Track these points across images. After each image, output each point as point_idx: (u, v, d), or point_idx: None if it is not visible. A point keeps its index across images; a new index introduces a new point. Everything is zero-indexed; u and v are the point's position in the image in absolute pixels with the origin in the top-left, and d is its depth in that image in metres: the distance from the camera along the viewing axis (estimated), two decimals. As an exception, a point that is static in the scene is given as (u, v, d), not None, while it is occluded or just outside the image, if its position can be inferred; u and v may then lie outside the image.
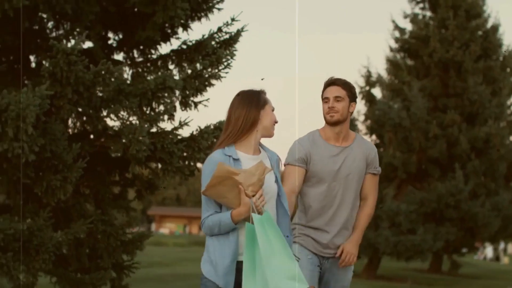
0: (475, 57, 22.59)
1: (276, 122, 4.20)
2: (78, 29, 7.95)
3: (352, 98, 5.00)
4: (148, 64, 8.95)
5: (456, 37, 22.51)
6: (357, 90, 23.43)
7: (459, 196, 20.88)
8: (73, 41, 7.56)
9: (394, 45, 24.01)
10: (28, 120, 6.47)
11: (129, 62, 8.88)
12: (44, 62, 8.17)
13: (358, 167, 4.97)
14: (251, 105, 4.12)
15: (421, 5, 24.11)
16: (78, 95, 7.29)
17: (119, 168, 8.86)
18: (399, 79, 23.24)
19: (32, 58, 8.32)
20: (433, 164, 22.43)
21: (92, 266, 8.47)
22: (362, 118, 23.35)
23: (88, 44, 8.52)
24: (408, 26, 24.01)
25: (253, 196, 3.94)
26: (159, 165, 8.47)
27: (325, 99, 4.99)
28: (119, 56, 9.24)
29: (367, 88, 23.21)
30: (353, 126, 22.59)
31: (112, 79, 7.40)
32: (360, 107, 23.79)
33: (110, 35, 9.08)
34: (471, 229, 22.34)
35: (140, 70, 8.82)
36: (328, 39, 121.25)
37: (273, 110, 4.21)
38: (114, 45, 9.05)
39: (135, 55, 9.00)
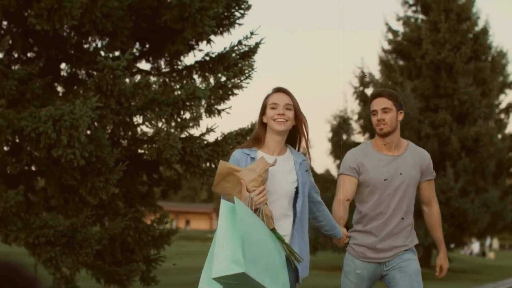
0: (466, 59, 23.61)
1: (274, 116, 4.21)
2: (115, 44, 8.82)
3: (399, 107, 5.10)
4: (174, 74, 9.84)
5: (448, 40, 23.51)
6: (351, 90, 24.46)
7: (449, 193, 21.91)
8: (115, 53, 8.45)
9: (387, 46, 24.99)
10: (81, 129, 7.37)
11: (156, 72, 9.77)
12: (80, 74, 9.09)
13: (411, 175, 5.07)
14: (260, 112, 4.33)
15: (413, 8, 25.10)
16: (120, 105, 8.19)
17: (146, 169, 9.76)
18: (392, 79, 24.19)
19: (77, 71, 9.20)
20: (425, 162, 23.43)
21: (124, 260, 9.36)
22: (356, 117, 24.26)
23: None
24: (401, 28, 24.99)
25: (253, 191, 4.02)
26: (183, 167, 9.37)
27: (373, 112, 5.10)
28: (144, 66, 10.14)
29: (361, 88, 24.17)
30: (347, 125, 23.61)
31: (149, 91, 8.29)
32: (354, 107, 24.79)
33: (137, 46, 9.96)
34: (460, 225, 23.39)
35: (167, 80, 9.71)
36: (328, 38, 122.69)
37: (274, 107, 4.24)
38: (137, 54, 9.89)
39: (162, 65, 9.88)
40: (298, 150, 4.39)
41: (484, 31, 24.49)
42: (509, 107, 26.77)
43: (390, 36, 24.87)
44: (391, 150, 5.09)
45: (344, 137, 23.60)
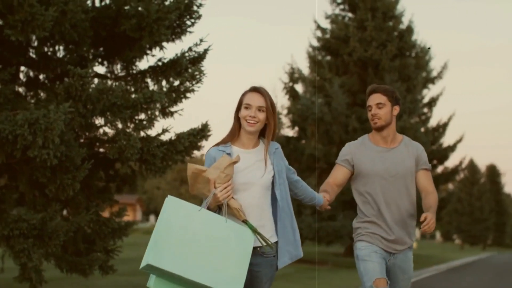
0: (391, 56, 25.16)
1: (245, 117, 4.47)
2: (79, 52, 9.78)
3: (395, 102, 5.40)
4: (129, 78, 10.83)
5: (374, 38, 25.01)
6: (281, 86, 25.69)
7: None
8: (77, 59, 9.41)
9: (316, 44, 26.33)
10: (55, 132, 8.32)
11: (113, 77, 10.74)
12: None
13: (406, 166, 5.35)
14: (236, 108, 4.59)
15: (341, 6, 26.54)
16: (86, 109, 9.17)
17: (103, 166, 10.72)
18: (320, 76, 25.55)
19: (41, 77, 10.11)
20: (352, 155, 24.90)
21: (84, 250, 10.33)
22: (285, 112, 25.51)
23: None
24: (329, 26, 26.36)
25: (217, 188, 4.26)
26: (138, 165, 10.39)
27: (368, 107, 5.43)
28: (100, 69, 11.09)
29: (291, 84, 25.45)
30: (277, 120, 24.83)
31: (112, 96, 9.28)
32: (283, 102, 26.07)
33: (94, 51, 10.88)
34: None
35: (123, 83, 10.69)
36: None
37: (247, 107, 4.47)
38: (97, 59, 10.83)
39: (118, 70, 10.84)
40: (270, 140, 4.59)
41: (409, 29, 26.10)
42: (432, 102, 28.51)
43: (319, 33, 26.22)
44: (387, 143, 5.41)
45: (275, 131, 24.75)
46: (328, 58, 26.52)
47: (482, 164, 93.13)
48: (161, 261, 4.00)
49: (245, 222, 4.34)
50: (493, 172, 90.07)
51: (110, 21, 10.12)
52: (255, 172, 4.48)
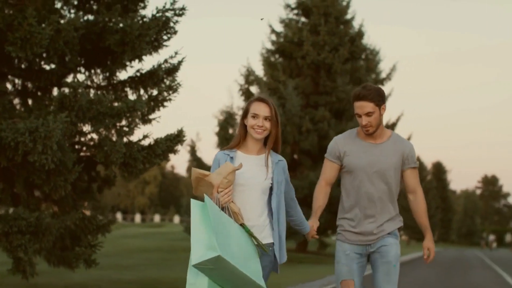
0: (343, 60, 26.67)
1: (253, 126, 4.78)
2: (69, 66, 10.93)
3: (382, 101, 5.41)
4: (110, 88, 12.00)
5: (327, 42, 26.49)
6: (237, 88, 26.97)
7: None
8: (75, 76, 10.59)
9: (271, 47, 27.69)
10: (53, 139, 9.48)
11: (95, 86, 11.89)
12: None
13: (392, 162, 5.46)
14: (242, 115, 4.92)
15: (295, 11, 27.92)
16: (77, 118, 10.34)
17: (86, 169, 11.87)
18: (275, 78, 26.90)
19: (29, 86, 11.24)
20: (306, 155, 26.37)
21: (70, 245, 11.48)
22: (241, 112, 26.78)
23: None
24: (283, 30, 27.75)
25: (220, 192, 4.61)
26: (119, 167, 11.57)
27: (357, 114, 5.42)
28: (81, 78, 12.20)
29: (246, 86, 26.77)
30: (233, 120, 26.15)
31: (101, 106, 10.47)
32: (239, 103, 27.33)
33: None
34: (336, 213, 26.40)
35: (104, 92, 11.85)
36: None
37: (254, 116, 4.78)
38: (81, 70, 11.97)
39: (100, 80, 11.98)
40: (275, 151, 4.93)
41: (360, 34, 27.61)
42: (380, 102, 30.07)
43: (274, 37, 27.58)
44: (375, 139, 5.50)
45: (230, 131, 26.09)
46: (281, 60, 27.86)
47: (428, 162, 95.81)
48: (227, 255, 4.33)
49: (242, 225, 4.67)
50: (439, 170, 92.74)
51: (96, 36, 11.28)
52: (254, 175, 4.79)
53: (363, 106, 5.35)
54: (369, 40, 36.69)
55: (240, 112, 26.73)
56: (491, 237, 79.94)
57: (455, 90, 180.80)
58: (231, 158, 4.82)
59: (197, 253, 4.36)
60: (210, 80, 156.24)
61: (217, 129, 26.37)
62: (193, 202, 4.55)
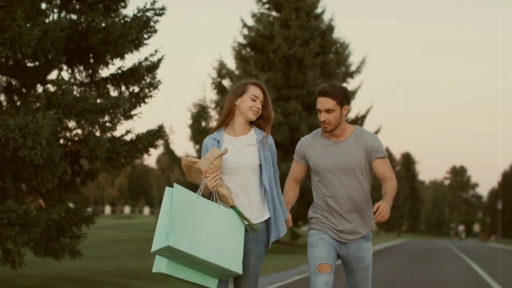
0: (314, 54, 27.38)
1: (253, 108, 4.99)
2: (53, 64, 11.49)
3: (345, 101, 5.42)
4: (92, 85, 12.56)
5: (298, 36, 27.18)
6: (210, 81, 27.56)
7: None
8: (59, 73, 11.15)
9: (243, 41, 28.32)
10: (42, 135, 10.04)
11: (78, 83, 12.45)
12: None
13: (355, 158, 5.46)
14: (231, 94, 5.09)
15: (266, 5, 28.58)
16: (63, 114, 10.91)
17: (70, 163, 12.44)
18: (247, 72, 27.54)
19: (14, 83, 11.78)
20: (277, 147, 27.01)
21: (56, 236, 12.05)
22: (213, 105, 27.44)
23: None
24: (255, 24, 28.41)
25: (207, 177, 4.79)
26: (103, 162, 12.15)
27: (318, 109, 5.47)
28: (64, 75, 12.75)
29: (218, 79, 27.39)
30: (206, 113, 26.76)
31: (86, 103, 11.04)
32: (212, 96, 27.91)
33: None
34: (309, 204, 27.14)
35: (87, 89, 12.41)
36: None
37: (254, 99, 4.99)
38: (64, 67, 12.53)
39: (81, 77, 12.53)
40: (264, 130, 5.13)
41: (330, 28, 28.34)
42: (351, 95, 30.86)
43: (246, 31, 28.22)
44: (337, 137, 5.50)
45: (203, 124, 26.71)
46: (252, 53, 28.49)
47: (397, 152, 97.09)
48: (180, 243, 4.49)
49: (233, 207, 4.85)
50: (407, 160, 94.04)
51: (79, 35, 11.83)
52: (242, 157, 4.97)
53: (324, 102, 5.40)
54: (339, 34, 37.52)
55: (213, 106, 27.36)
56: (461, 228, 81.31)
57: (424, 83, 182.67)
58: (218, 142, 5.01)
59: (155, 241, 4.57)
60: (182, 74, 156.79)
61: (190, 121, 26.95)
62: (167, 190, 4.73)
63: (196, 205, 4.71)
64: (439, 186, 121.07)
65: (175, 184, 4.69)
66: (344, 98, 5.41)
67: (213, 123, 27.29)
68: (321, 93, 5.43)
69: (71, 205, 12.60)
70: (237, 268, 4.73)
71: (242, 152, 5.01)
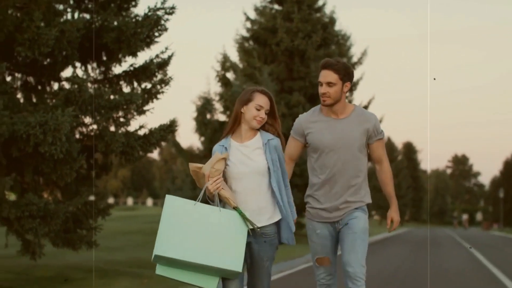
0: (316, 46, 27.91)
1: (256, 117, 5.11)
2: (69, 62, 12.04)
3: (347, 78, 5.48)
4: (105, 81, 13.11)
5: (300, 29, 27.71)
6: (214, 74, 28.13)
7: (303, 166, 26.16)
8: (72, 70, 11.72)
9: (246, 34, 28.86)
10: (62, 132, 10.59)
11: (92, 80, 12.99)
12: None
13: (354, 137, 5.49)
14: (238, 101, 5.21)
15: (269, -1, 29.14)
16: (80, 111, 11.47)
17: (86, 157, 12.99)
18: (250, 65, 28.06)
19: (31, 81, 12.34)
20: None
21: (73, 228, 12.61)
22: (218, 98, 27.95)
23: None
24: (258, 17, 28.94)
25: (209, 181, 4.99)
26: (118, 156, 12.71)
27: (319, 83, 5.50)
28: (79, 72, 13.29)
29: (223, 72, 27.91)
30: (210, 106, 27.27)
31: (101, 99, 11.59)
32: (216, 89, 28.42)
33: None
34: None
35: (102, 86, 12.96)
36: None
37: (259, 109, 5.12)
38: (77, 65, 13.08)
39: (94, 74, 13.08)
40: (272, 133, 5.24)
41: (332, 20, 28.87)
42: (353, 86, 31.41)
43: (249, 25, 28.75)
44: (337, 114, 5.54)
45: (208, 116, 27.22)
46: (255, 46, 29.01)
47: (399, 142, 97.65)
48: (165, 251, 4.79)
49: (235, 209, 5.01)
50: (409, 150, 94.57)
51: (93, 34, 12.37)
52: (250, 162, 5.10)
53: (326, 75, 5.45)
54: (340, 26, 38.01)
55: (217, 98, 27.86)
56: (465, 217, 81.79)
57: (426, 72, 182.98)
58: (226, 148, 5.14)
59: (154, 250, 4.86)
60: (185, 66, 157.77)
61: (195, 114, 27.45)
62: (167, 198, 5.00)
63: (192, 211, 4.93)
64: (441, 175, 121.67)
65: (166, 195, 4.97)
66: (347, 74, 5.48)
67: (218, 116, 27.79)
68: (324, 66, 5.50)
69: (92, 197, 13.19)
70: (238, 267, 4.88)
71: (250, 157, 5.12)
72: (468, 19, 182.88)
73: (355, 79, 31.07)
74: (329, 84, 5.42)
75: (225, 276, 5.00)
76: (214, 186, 4.95)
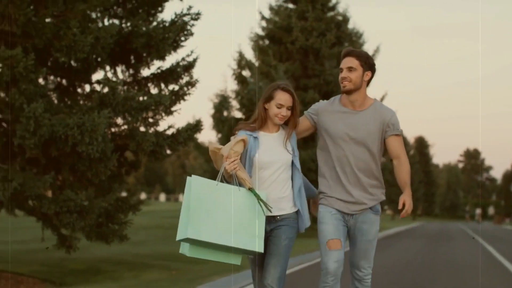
0: (330, 44, 28.64)
1: (278, 115, 5.27)
2: (101, 65, 12.85)
3: (368, 67, 5.45)
4: (134, 83, 13.90)
5: (314, 27, 28.44)
6: (230, 72, 28.91)
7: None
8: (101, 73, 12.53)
9: (261, 33, 29.63)
10: (99, 132, 11.39)
11: (122, 82, 13.78)
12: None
13: (369, 130, 5.44)
14: (262, 99, 5.40)
15: (284, -2, 29.91)
16: (114, 112, 12.27)
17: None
18: (266, 63, 28.80)
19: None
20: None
21: (105, 222, 13.42)
22: (234, 95, 28.69)
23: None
24: (273, 17, 29.71)
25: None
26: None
27: (340, 70, 5.49)
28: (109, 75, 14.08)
29: (239, 70, 28.67)
30: (227, 103, 28.02)
31: (133, 101, 12.38)
32: (233, 86, 29.17)
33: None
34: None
35: (130, 88, 13.76)
36: None
37: (279, 107, 5.27)
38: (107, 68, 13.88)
39: (124, 77, 13.86)
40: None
41: (345, 19, 29.60)
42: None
43: (264, 24, 29.53)
44: (355, 107, 5.49)
45: (225, 113, 27.96)
46: (273, 46, 29.76)
47: (410, 137, 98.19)
48: (199, 234, 4.90)
49: (250, 189, 5.14)
50: (421, 144, 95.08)
51: (123, 39, 13.17)
52: (277, 152, 5.30)
53: (348, 62, 5.44)
54: (354, 24, 38.66)
55: (233, 95, 28.60)
56: (478, 211, 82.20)
57: (436, 64, 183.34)
58: (255, 138, 5.30)
59: (178, 231, 5.00)
60: (201, 65, 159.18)
61: (212, 111, 28.20)
62: (187, 180, 5.08)
63: (215, 191, 5.05)
64: (453, 169, 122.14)
65: (192, 175, 5.06)
66: (368, 63, 5.45)
67: (234, 113, 28.50)
68: (346, 54, 5.50)
69: (124, 193, 14.01)
70: (258, 247, 5.06)
71: (277, 148, 5.31)
72: (473, 11, 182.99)
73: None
74: (350, 68, 5.41)
75: (247, 254, 5.18)
76: (232, 166, 5.09)
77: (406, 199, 5.35)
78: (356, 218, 5.47)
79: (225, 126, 27.11)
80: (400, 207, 5.32)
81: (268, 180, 5.27)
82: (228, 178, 5.16)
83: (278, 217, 5.25)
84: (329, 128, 5.47)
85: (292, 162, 5.32)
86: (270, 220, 5.24)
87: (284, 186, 5.31)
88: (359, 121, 5.44)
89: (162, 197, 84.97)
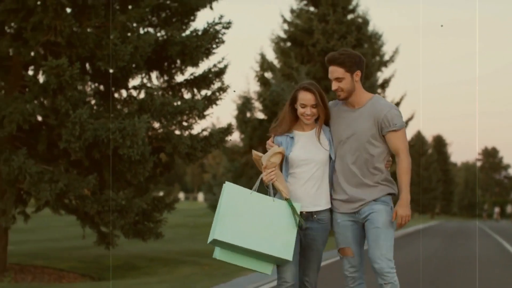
0: (351, 47, 29.29)
1: (303, 114, 5.39)
2: (139, 73, 13.68)
3: (355, 67, 5.43)
4: (168, 89, 14.72)
5: (335, 30, 29.19)
6: (253, 74, 29.68)
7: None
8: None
9: (283, 35, 30.43)
10: (139, 136, 12.20)
11: (158, 88, 14.60)
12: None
13: (362, 127, 5.43)
14: (288, 101, 5.52)
15: (305, 1, 30.65)
16: (152, 117, 13.08)
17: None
18: (288, 65, 29.58)
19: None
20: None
21: (142, 220, 14.23)
22: (257, 97, 29.46)
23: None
24: (294, 19, 30.51)
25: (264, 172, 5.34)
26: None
27: (329, 79, 5.52)
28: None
29: (261, 72, 29.48)
30: (250, 104, 28.79)
31: (170, 106, 13.19)
32: (255, 88, 29.90)
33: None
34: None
35: (165, 93, 14.57)
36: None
37: (303, 107, 5.39)
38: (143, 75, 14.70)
39: (159, 82, 14.67)
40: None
41: (365, 22, 30.32)
42: (385, 83, 32.91)
43: (286, 26, 30.32)
44: (353, 105, 5.53)
45: (248, 114, 28.73)
46: (294, 48, 30.52)
47: (429, 135, 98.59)
48: (225, 236, 5.10)
49: (286, 200, 5.33)
50: (439, 143, 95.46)
51: (159, 47, 13.98)
52: (312, 150, 5.45)
53: (333, 71, 5.45)
54: (374, 26, 39.21)
55: (256, 97, 29.37)
56: (497, 209, 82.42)
57: (451, 61, 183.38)
58: (291, 138, 5.46)
59: (210, 234, 5.25)
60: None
61: (235, 112, 28.98)
62: (223, 187, 5.33)
63: (248, 199, 5.25)
64: (471, 168, 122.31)
65: (227, 182, 5.31)
66: (353, 64, 5.42)
67: (257, 114, 29.26)
68: (328, 62, 5.51)
69: (161, 193, 14.83)
70: (288, 255, 5.19)
71: (311, 146, 5.46)
72: (487, 8, 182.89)
73: (387, 75, 32.44)
74: (338, 79, 5.41)
75: (276, 263, 5.31)
76: (268, 177, 5.29)
77: (397, 210, 5.37)
78: (362, 212, 5.46)
79: (248, 127, 27.86)
80: (393, 219, 5.37)
81: (304, 177, 5.42)
82: (266, 187, 5.39)
83: (315, 216, 5.44)
84: (332, 129, 5.55)
85: (330, 158, 5.48)
86: (306, 217, 5.40)
87: (321, 183, 5.47)
88: (356, 119, 5.47)
89: (181, 196, 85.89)
